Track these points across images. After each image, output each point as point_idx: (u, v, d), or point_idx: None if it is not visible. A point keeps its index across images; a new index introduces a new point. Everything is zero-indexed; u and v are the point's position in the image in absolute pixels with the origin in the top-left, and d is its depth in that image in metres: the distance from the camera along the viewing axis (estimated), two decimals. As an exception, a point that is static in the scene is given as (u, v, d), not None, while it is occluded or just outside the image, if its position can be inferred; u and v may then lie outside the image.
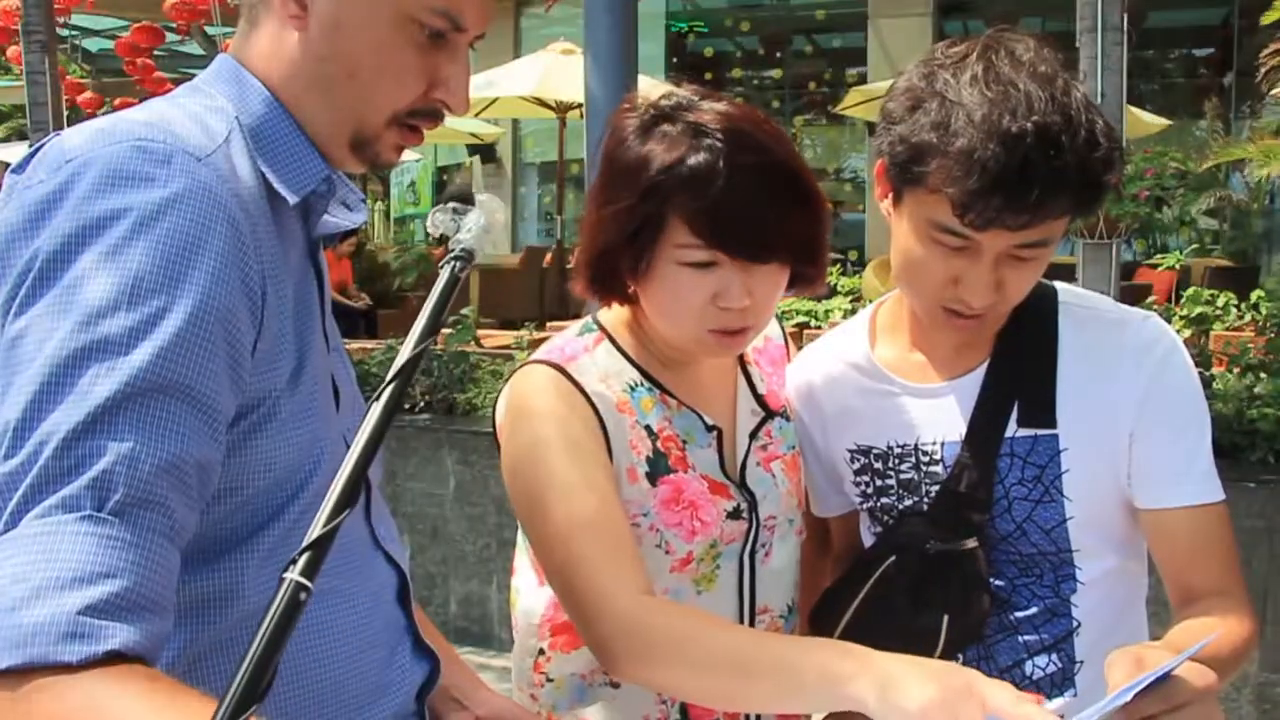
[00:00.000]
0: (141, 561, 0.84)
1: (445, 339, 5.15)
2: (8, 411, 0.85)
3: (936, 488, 1.41)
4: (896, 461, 1.45)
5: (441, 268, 0.93)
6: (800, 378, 1.55)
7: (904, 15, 12.70)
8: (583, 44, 4.66)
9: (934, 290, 1.32)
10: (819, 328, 5.91)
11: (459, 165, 15.92)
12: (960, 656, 1.41)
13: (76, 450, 0.84)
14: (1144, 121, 9.47)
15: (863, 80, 12.53)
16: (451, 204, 1.01)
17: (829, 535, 1.62)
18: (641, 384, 1.41)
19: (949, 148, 1.22)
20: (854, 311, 5.48)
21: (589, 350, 1.41)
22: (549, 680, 1.44)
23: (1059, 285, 1.45)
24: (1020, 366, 1.39)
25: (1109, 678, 1.04)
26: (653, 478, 1.37)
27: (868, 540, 1.52)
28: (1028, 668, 1.40)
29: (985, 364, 1.41)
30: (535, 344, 4.80)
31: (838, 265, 8.95)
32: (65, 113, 6.92)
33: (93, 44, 13.38)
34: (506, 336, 6.16)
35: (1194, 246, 11.20)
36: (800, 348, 1.62)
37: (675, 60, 14.73)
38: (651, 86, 1.40)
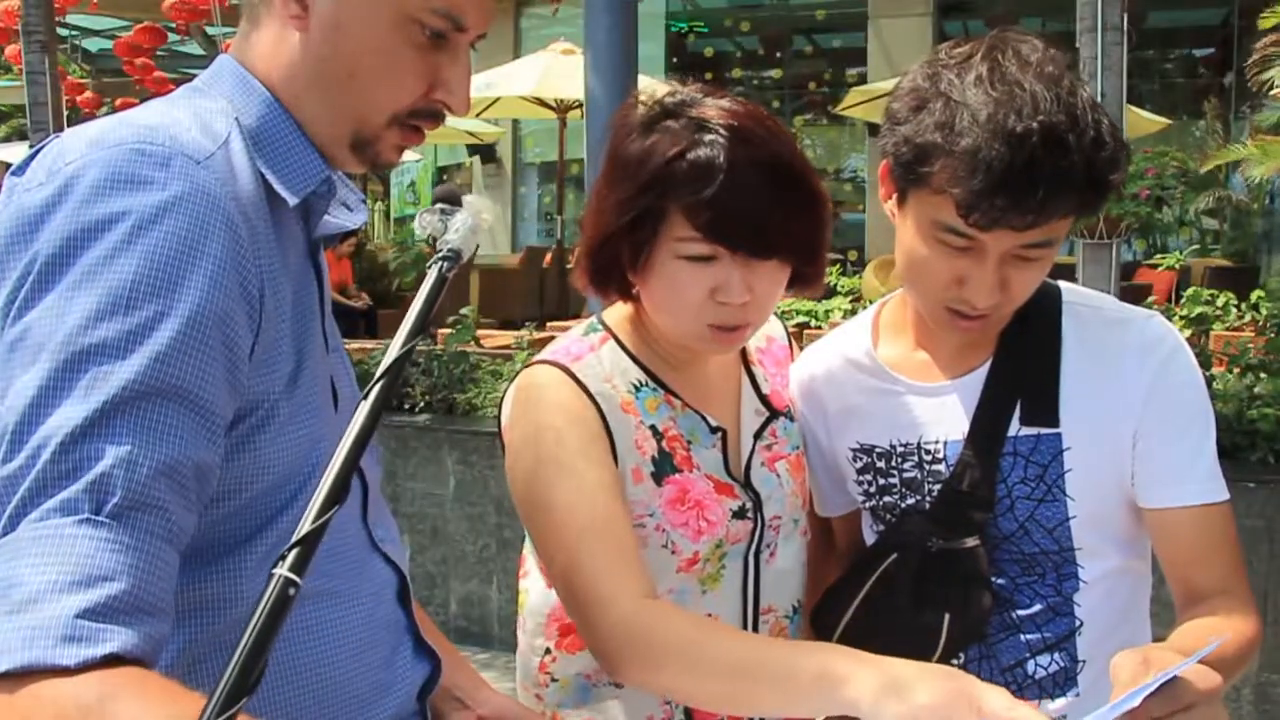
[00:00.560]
0: (140, 564, 0.84)
1: (445, 339, 5.15)
2: (7, 415, 0.85)
3: (939, 486, 1.41)
4: (899, 460, 1.44)
5: (429, 268, 0.93)
6: (803, 377, 1.55)
7: (904, 15, 12.69)
8: (583, 44, 4.66)
9: (938, 290, 1.32)
10: (819, 328, 5.91)
11: (459, 165, 15.91)
12: (962, 655, 1.41)
13: (75, 453, 0.83)
14: (1144, 121, 9.45)
15: (863, 80, 12.52)
16: (439, 205, 1.01)
17: (832, 535, 1.62)
18: (646, 384, 1.41)
19: (954, 148, 1.22)
20: (854, 311, 5.49)
21: (594, 350, 1.41)
22: (554, 680, 1.44)
23: (1062, 284, 1.45)
24: (1023, 365, 1.39)
25: (1115, 678, 1.03)
26: (658, 478, 1.37)
27: (870, 539, 1.52)
28: (1030, 667, 1.40)
29: (988, 363, 1.41)
30: (535, 344, 4.80)
31: (838, 265, 8.95)
32: (65, 113, 6.93)
33: (93, 44, 13.41)
34: (506, 337, 6.16)
35: (1194, 246, 11.19)
36: (801, 348, 1.61)
37: (675, 60, 14.72)
38: (652, 86, 1.39)
